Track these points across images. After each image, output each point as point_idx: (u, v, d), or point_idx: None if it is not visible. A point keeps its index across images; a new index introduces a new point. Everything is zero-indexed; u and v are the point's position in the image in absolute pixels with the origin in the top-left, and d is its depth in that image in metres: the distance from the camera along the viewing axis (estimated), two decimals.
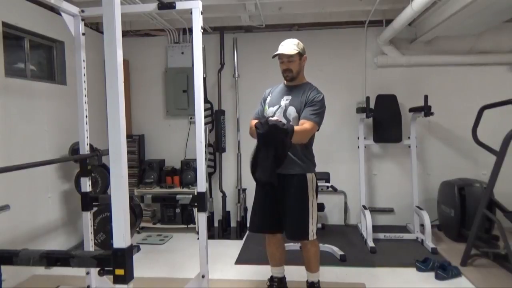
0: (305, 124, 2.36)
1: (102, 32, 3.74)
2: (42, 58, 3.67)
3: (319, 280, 2.66)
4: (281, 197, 2.49)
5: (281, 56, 2.47)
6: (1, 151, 2.92)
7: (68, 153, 3.54)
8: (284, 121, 2.40)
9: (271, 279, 2.75)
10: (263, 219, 2.58)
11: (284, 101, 2.52)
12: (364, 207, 4.04)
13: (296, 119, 2.46)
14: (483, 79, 4.33)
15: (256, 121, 2.56)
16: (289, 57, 2.44)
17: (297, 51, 2.44)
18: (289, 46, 2.45)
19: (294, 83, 2.56)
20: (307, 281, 2.67)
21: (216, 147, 4.47)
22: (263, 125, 2.17)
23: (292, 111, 2.47)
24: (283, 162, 2.30)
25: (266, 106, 2.59)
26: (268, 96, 2.64)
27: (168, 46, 4.63)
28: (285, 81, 2.61)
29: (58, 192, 3.63)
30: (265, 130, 2.16)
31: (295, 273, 2.87)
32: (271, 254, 2.72)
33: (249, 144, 4.51)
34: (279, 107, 2.52)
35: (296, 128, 2.27)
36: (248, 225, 2.68)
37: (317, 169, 2.58)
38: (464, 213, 3.76)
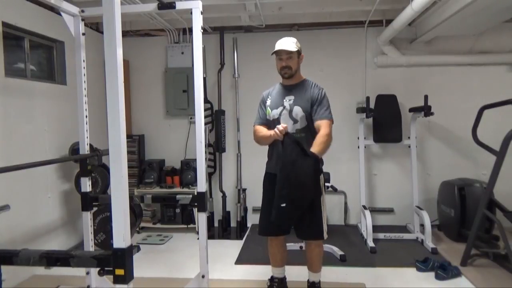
0: (322, 128, 2.39)
1: (102, 32, 3.74)
2: (42, 58, 3.67)
3: (320, 281, 2.66)
4: None
5: (280, 52, 2.44)
6: (1, 151, 2.92)
7: (68, 153, 3.54)
8: (290, 121, 2.43)
9: (272, 279, 2.74)
10: (274, 223, 2.52)
11: (287, 101, 2.50)
12: (364, 207, 4.04)
13: (304, 118, 2.45)
14: (483, 79, 4.33)
15: (261, 127, 2.57)
16: (289, 53, 2.43)
17: (296, 49, 2.44)
18: (289, 43, 2.44)
19: (292, 81, 2.55)
20: (308, 280, 2.67)
21: (216, 147, 4.47)
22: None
23: (298, 111, 2.45)
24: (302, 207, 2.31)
25: (268, 109, 2.56)
26: (268, 99, 2.60)
27: (168, 46, 4.63)
28: (282, 81, 2.60)
29: (58, 192, 3.63)
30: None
31: (295, 273, 2.87)
32: (273, 255, 2.70)
33: (249, 144, 4.53)
34: (283, 109, 2.49)
35: (318, 146, 2.30)
36: (257, 229, 2.64)
37: None
38: (464, 213, 3.76)
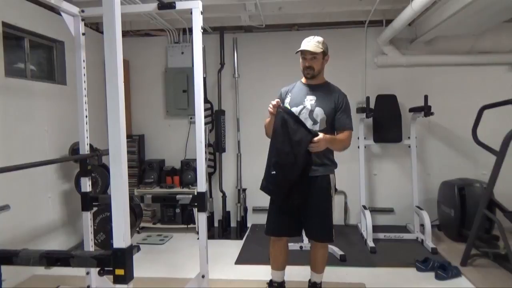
0: (345, 132, 2.43)
1: (102, 32, 3.74)
2: (42, 58, 3.67)
3: (321, 281, 2.65)
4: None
5: (304, 52, 2.41)
6: (1, 151, 2.92)
7: (68, 153, 3.54)
8: (310, 122, 2.41)
9: (271, 283, 2.70)
10: (282, 223, 2.50)
11: (309, 101, 2.45)
12: (364, 207, 4.04)
13: (324, 120, 2.43)
14: (483, 79, 4.33)
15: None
16: (313, 54, 2.39)
17: (321, 50, 2.40)
18: (314, 43, 2.40)
19: (315, 82, 2.50)
20: (309, 280, 2.67)
21: (216, 147, 4.47)
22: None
23: (319, 113, 2.42)
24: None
25: (287, 106, 2.48)
26: (287, 96, 2.54)
27: (168, 46, 4.63)
28: (303, 79, 2.56)
29: (58, 192, 3.63)
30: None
31: (295, 273, 2.87)
32: (274, 257, 2.65)
33: (249, 144, 4.53)
34: (303, 108, 2.44)
35: (338, 137, 2.41)
36: (265, 228, 2.58)
37: None
38: (464, 213, 3.76)
